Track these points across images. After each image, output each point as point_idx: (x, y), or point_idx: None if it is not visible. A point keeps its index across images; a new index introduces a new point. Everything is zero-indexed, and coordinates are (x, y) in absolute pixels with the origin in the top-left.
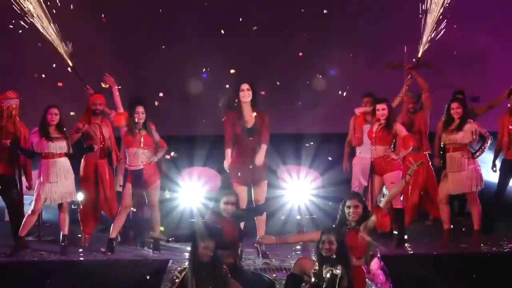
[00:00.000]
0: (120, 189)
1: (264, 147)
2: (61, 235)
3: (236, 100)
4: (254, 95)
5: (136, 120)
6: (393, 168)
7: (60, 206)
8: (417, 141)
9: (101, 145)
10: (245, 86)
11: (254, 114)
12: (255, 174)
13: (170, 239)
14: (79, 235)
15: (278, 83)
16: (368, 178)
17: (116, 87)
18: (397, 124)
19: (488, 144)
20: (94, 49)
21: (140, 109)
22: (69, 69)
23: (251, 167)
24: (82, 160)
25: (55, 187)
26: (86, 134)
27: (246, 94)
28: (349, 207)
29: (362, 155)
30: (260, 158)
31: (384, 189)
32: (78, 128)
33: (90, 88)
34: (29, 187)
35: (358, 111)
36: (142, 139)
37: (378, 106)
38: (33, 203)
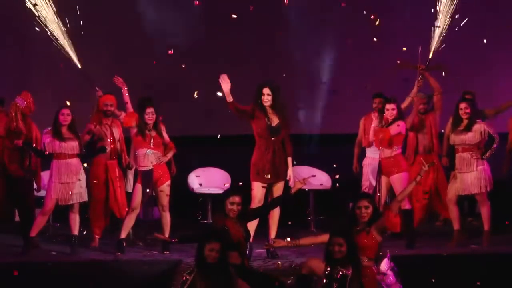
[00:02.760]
0: (130, 189)
1: (290, 160)
2: (71, 236)
3: (259, 101)
4: (275, 98)
5: (146, 121)
6: (400, 170)
7: (71, 206)
8: (428, 142)
9: (111, 146)
10: (266, 91)
11: (277, 115)
12: (276, 173)
13: (174, 240)
14: (90, 236)
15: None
16: (376, 178)
17: (126, 88)
18: (398, 121)
19: (497, 145)
20: (102, 50)
21: (150, 109)
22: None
23: (273, 166)
24: (93, 161)
25: (67, 187)
26: (97, 135)
27: (266, 99)
28: (359, 208)
29: (372, 156)
30: (289, 173)
31: None
32: (90, 129)
33: (100, 90)
34: (38, 189)
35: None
36: (152, 140)
37: (388, 106)
38: (44, 203)
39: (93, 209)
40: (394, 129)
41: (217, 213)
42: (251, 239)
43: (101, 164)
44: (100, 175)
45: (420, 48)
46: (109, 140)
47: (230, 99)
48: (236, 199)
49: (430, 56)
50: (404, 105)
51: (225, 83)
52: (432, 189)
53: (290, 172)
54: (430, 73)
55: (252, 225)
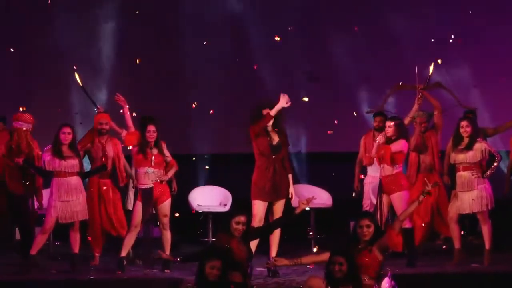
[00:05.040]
0: (130, 207)
1: (290, 177)
2: (71, 254)
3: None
4: (277, 117)
5: (147, 139)
6: (400, 188)
7: (71, 224)
8: (430, 161)
9: None
10: (266, 111)
11: (277, 133)
12: (277, 191)
13: (177, 259)
14: (89, 254)
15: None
16: (376, 196)
17: (127, 107)
18: (400, 140)
19: (498, 164)
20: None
21: (152, 128)
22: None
23: (274, 184)
24: (88, 180)
25: (67, 206)
26: (89, 154)
27: None
28: (361, 226)
29: (373, 174)
30: (291, 191)
31: None
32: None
33: (101, 107)
34: (40, 207)
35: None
36: (153, 158)
37: (387, 123)
38: (44, 221)
39: (91, 228)
40: (395, 146)
41: (221, 232)
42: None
43: (94, 183)
44: (94, 194)
45: (417, 68)
46: (100, 159)
47: (273, 113)
48: (242, 218)
49: (430, 74)
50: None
51: (283, 101)
52: (434, 208)
53: (291, 190)
54: (429, 92)
55: (253, 244)
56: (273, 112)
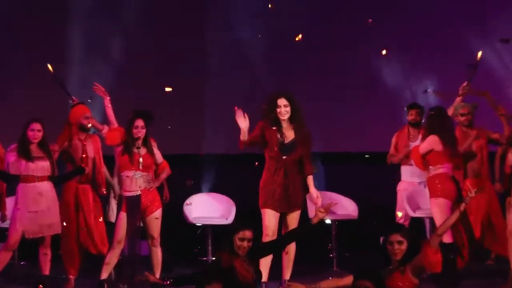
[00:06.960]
0: (113, 219)
1: (311, 179)
2: (41, 276)
3: (273, 115)
4: (294, 110)
5: (134, 136)
6: (435, 194)
7: (40, 240)
8: (478, 164)
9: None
10: (282, 102)
11: (294, 129)
12: (290, 200)
13: (168, 282)
14: (63, 276)
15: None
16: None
17: (108, 98)
18: (429, 137)
19: None
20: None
21: (140, 122)
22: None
23: (285, 191)
24: (63, 186)
25: (35, 217)
26: (65, 154)
27: (284, 111)
28: (391, 243)
29: (408, 180)
30: (313, 194)
31: None
32: (53, 151)
33: (76, 99)
34: (3, 219)
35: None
36: (141, 160)
37: None
38: (7, 236)
39: (65, 244)
40: (423, 147)
41: (222, 250)
42: (265, 279)
43: (71, 188)
44: (70, 202)
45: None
46: (79, 160)
47: (243, 138)
48: (247, 234)
49: (478, 58)
50: None
51: (241, 120)
52: (484, 221)
53: (316, 193)
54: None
55: (266, 262)
56: (242, 137)
